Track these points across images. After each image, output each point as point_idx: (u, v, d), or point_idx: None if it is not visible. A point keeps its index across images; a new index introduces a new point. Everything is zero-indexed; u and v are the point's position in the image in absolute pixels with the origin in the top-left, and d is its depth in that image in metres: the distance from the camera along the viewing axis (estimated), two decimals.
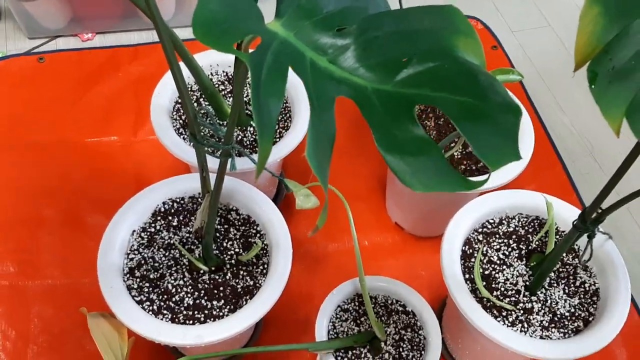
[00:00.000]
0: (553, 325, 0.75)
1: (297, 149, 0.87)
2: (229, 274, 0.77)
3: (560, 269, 0.80)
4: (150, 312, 0.73)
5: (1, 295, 0.97)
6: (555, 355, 0.71)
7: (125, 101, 1.20)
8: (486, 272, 0.79)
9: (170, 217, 0.81)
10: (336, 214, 0.92)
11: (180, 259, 0.78)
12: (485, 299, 0.76)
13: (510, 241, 0.81)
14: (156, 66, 1.19)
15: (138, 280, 0.76)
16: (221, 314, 0.74)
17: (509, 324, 0.75)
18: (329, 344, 0.76)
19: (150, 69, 1.23)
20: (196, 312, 0.74)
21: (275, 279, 0.74)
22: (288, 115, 0.94)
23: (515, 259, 0.80)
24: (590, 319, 0.76)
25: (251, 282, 0.76)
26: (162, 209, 0.82)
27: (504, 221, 0.83)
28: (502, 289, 0.77)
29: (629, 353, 0.96)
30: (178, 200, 0.83)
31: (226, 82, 0.97)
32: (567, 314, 0.76)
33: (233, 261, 0.78)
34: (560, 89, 1.32)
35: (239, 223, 0.82)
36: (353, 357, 0.77)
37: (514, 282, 0.78)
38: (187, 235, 0.80)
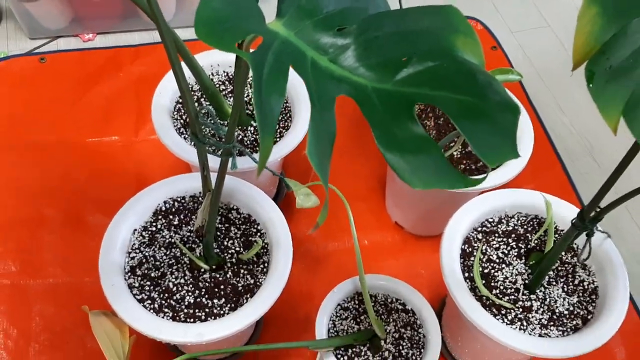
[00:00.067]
0: (552, 323, 0.76)
1: (298, 149, 0.88)
2: (230, 273, 0.77)
3: (559, 268, 0.80)
4: (152, 310, 0.74)
5: (3, 294, 0.97)
6: (554, 353, 0.72)
7: (126, 101, 1.21)
8: (485, 271, 0.79)
9: (171, 216, 0.82)
10: (336, 213, 0.93)
11: (181, 257, 0.78)
12: (484, 297, 0.76)
13: (510, 240, 0.82)
14: (157, 66, 1.20)
15: (139, 278, 0.76)
16: (222, 312, 0.74)
17: (508, 322, 0.75)
18: (329, 342, 0.76)
19: (151, 69, 1.24)
20: (197, 311, 0.74)
21: (275, 278, 0.75)
22: (288, 115, 0.95)
23: (515, 258, 0.81)
24: (589, 317, 0.77)
25: (252, 281, 0.77)
26: (163, 208, 0.82)
27: (503, 220, 0.84)
28: (502, 287, 0.78)
29: (627, 351, 0.96)
30: (179, 199, 0.83)
31: (227, 82, 0.98)
32: (566, 312, 0.77)
33: (234, 260, 0.78)
34: (559, 89, 1.33)
35: (240, 222, 0.82)
36: (353, 355, 0.77)
37: (513, 280, 0.78)
38: (188, 234, 0.80)
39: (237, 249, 0.79)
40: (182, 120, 0.93)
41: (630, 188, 0.62)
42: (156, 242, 0.79)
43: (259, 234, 0.81)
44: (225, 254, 0.79)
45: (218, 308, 0.75)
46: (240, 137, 0.91)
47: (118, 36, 1.38)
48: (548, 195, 0.84)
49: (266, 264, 0.78)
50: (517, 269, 0.79)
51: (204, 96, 0.93)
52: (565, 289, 0.79)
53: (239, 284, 0.76)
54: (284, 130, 0.92)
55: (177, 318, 0.74)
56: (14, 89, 1.22)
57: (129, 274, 0.77)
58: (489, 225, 0.83)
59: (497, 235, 0.82)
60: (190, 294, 0.75)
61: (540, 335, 0.75)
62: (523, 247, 0.82)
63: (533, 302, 0.77)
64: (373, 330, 0.78)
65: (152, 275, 0.77)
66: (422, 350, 0.79)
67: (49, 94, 1.21)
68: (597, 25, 0.42)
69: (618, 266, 0.78)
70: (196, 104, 0.87)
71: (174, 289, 0.76)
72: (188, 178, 0.84)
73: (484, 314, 0.74)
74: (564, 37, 1.43)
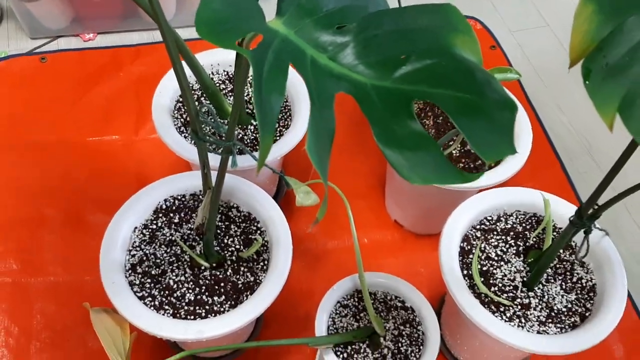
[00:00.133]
0: (550, 320, 0.76)
1: (297, 147, 0.88)
2: (230, 270, 0.78)
3: (558, 265, 0.81)
4: (152, 308, 0.74)
5: (4, 292, 0.97)
6: (552, 350, 0.72)
7: (127, 100, 1.21)
8: (484, 268, 0.79)
9: (171, 214, 0.82)
10: (336, 211, 0.93)
11: (182, 255, 0.79)
12: (483, 295, 0.77)
13: (508, 238, 0.82)
14: (157, 66, 1.20)
15: (140, 276, 0.77)
16: (222, 309, 0.75)
17: (507, 319, 0.76)
18: (329, 339, 0.77)
19: (152, 69, 1.24)
20: (197, 308, 0.75)
21: (275, 275, 0.75)
22: (288, 114, 0.95)
23: (513, 256, 0.81)
24: (587, 314, 0.77)
25: (252, 278, 0.77)
26: (164, 206, 0.83)
27: (501, 218, 0.84)
28: (500, 284, 0.78)
29: (626, 349, 0.97)
30: (179, 197, 0.84)
31: (227, 81, 0.98)
32: (564, 309, 0.77)
33: (234, 257, 0.79)
34: (558, 88, 1.33)
35: (240, 220, 0.83)
36: (352, 352, 0.78)
37: (512, 278, 0.79)
38: (189, 232, 0.81)
39: (237, 246, 0.80)
40: (182, 119, 0.93)
41: (627, 185, 0.62)
42: (157, 240, 0.80)
43: (259, 231, 0.81)
44: (226, 252, 0.79)
45: (218, 305, 0.75)
46: (241, 135, 0.92)
47: (118, 36, 1.38)
48: (546, 193, 0.84)
49: (266, 262, 0.79)
50: (515, 267, 0.80)
51: (204, 95, 0.94)
52: (564, 287, 0.79)
53: (239, 282, 0.77)
54: (283, 129, 0.93)
55: (178, 315, 0.74)
56: (16, 88, 1.23)
57: (130, 271, 0.77)
58: (487, 223, 0.84)
59: (495, 233, 0.83)
60: (190, 291, 0.76)
61: (538, 332, 0.75)
62: (521, 244, 0.82)
63: (531, 299, 0.77)
64: (372, 328, 0.78)
65: (153, 272, 0.77)
66: (421, 347, 0.79)
67: (50, 93, 1.22)
68: (593, 23, 0.43)
69: (616, 264, 0.78)
70: (196, 103, 0.88)
71: (175, 286, 0.76)
72: (188, 176, 0.85)
73: (483, 311, 0.75)
74: (563, 36, 1.43)
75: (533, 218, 0.84)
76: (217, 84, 0.98)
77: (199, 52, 0.94)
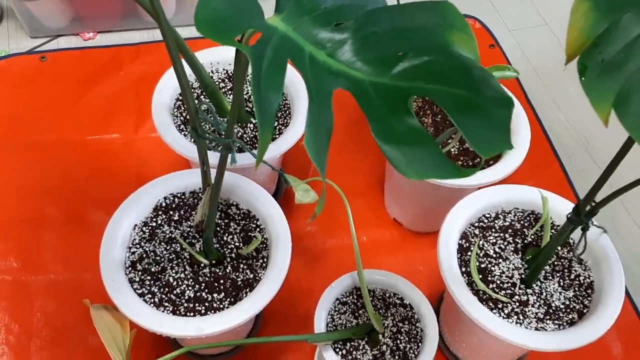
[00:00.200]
0: (548, 317, 0.77)
1: (297, 145, 0.89)
2: (229, 267, 0.78)
3: (556, 263, 0.81)
4: (152, 305, 0.75)
5: (4, 290, 0.98)
6: (550, 346, 0.73)
7: (127, 99, 1.22)
8: (482, 266, 0.80)
9: (171, 212, 0.83)
10: (335, 210, 0.94)
11: (181, 252, 0.79)
12: (481, 292, 0.77)
13: (506, 235, 0.83)
14: (157, 65, 1.20)
15: (140, 273, 0.77)
16: (221, 306, 0.75)
17: (505, 316, 0.76)
18: (328, 336, 0.77)
19: (152, 68, 1.24)
20: (197, 305, 0.75)
21: (274, 272, 0.75)
22: (287, 112, 0.95)
23: (511, 253, 0.81)
24: (585, 311, 0.78)
25: (251, 275, 0.78)
26: (163, 204, 0.83)
27: (500, 215, 0.85)
28: (498, 281, 0.79)
29: (623, 347, 0.97)
30: (179, 195, 0.84)
31: (226, 80, 0.99)
32: (562, 306, 0.78)
33: (233, 255, 0.79)
34: (557, 87, 1.34)
35: (239, 217, 0.83)
36: (351, 349, 0.78)
37: (510, 275, 0.79)
38: (188, 229, 0.81)
39: (237, 244, 0.80)
40: (182, 118, 0.93)
41: (625, 183, 0.63)
42: (156, 238, 0.80)
43: (258, 229, 0.82)
44: (225, 249, 0.80)
45: (218, 302, 0.75)
46: (240, 134, 0.92)
47: (118, 35, 1.38)
48: (544, 190, 0.84)
49: (265, 259, 0.79)
50: (513, 264, 0.80)
51: (204, 93, 0.94)
52: (562, 284, 0.79)
53: (239, 279, 0.77)
54: (283, 127, 0.93)
55: (177, 312, 0.74)
56: (16, 87, 1.23)
57: (130, 268, 0.77)
58: (485, 221, 0.84)
59: (494, 230, 0.83)
60: (190, 288, 0.76)
61: (536, 329, 0.76)
62: (520, 242, 0.82)
63: (529, 296, 0.78)
64: (371, 325, 0.78)
65: (153, 270, 0.77)
66: (420, 344, 0.80)
67: (50, 92, 1.22)
68: (589, 19, 0.43)
69: (614, 261, 0.79)
70: (196, 101, 0.88)
71: (174, 283, 0.76)
72: (188, 174, 0.85)
73: (481, 308, 0.75)
74: (562, 35, 1.44)
75: (531, 215, 0.85)
76: (217, 83, 0.98)
77: (198, 51, 0.94)
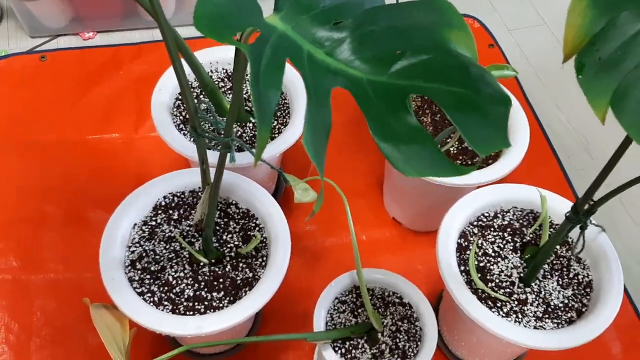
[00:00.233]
0: (547, 315, 0.77)
1: (296, 145, 0.89)
2: (229, 266, 0.78)
3: (554, 262, 0.81)
4: (151, 304, 0.75)
5: (4, 289, 0.98)
6: (549, 345, 0.73)
7: (127, 99, 1.22)
8: (481, 264, 0.80)
9: (170, 211, 0.83)
10: (335, 209, 0.94)
11: (181, 251, 0.79)
12: (480, 291, 0.77)
13: (505, 234, 0.83)
14: (157, 65, 1.21)
15: (139, 272, 0.77)
16: (221, 305, 0.75)
17: (504, 315, 0.76)
18: (327, 334, 0.77)
19: (152, 68, 1.25)
20: (196, 304, 0.75)
21: (274, 271, 0.76)
22: (287, 111, 0.96)
23: (510, 252, 0.81)
24: (584, 309, 0.78)
25: (250, 274, 0.78)
26: (163, 203, 0.83)
27: (499, 214, 0.85)
28: (497, 280, 0.79)
29: (622, 346, 0.97)
30: (178, 194, 0.84)
31: (226, 79, 0.99)
32: (560, 305, 0.78)
33: (232, 254, 0.79)
34: (556, 87, 1.34)
35: (239, 216, 0.83)
36: (350, 348, 0.78)
37: (509, 274, 0.79)
38: (188, 228, 0.81)
39: (236, 243, 0.80)
40: (181, 117, 0.94)
41: (623, 181, 0.63)
42: (156, 237, 0.80)
43: (257, 228, 0.82)
44: (224, 248, 0.80)
45: (217, 301, 0.76)
46: (239, 133, 0.92)
47: (118, 35, 1.39)
48: (543, 189, 0.84)
49: (265, 258, 0.79)
50: (512, 263, 0.80)
51: (204, 93, 0.94)
52: (560, 282, 0.80)
53: (238, 278, 0.77)
54: (282, 127, 0.93)
55: (177, 311, 0.75)
56: (16, 87, 1.23)
57: (129, 267, 0.78)
58: (484, 220, 0.84)
59: (492, 229, 0.83)
60: (189, 287, 0.76)
61: (535, 328, 0.76)
62: (518, 241, 0.83)
63: (528, 295, 0.78)
64: (370, 323, 0.79)
65: (152, 268, 0.78)
66: (419, 343, 0.80)
67: (50, 92, 1.22)
68: (587, 17, 0.44)
69: (612, 260, 0.79)
70: (195, 100, 0.88)
71: (174, 282, 0.77)
72: (187, 173, 0.85)
73: (480, 307, 0.75)
74: (561, 35, 1.43)
75: (530, 214, 0.85)
76: (216, 82, 0.98)
77: (198, 50, 0.94)
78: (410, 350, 0.79)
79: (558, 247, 0.82)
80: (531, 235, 0.83)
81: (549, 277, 0.80)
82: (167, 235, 0.81)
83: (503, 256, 0.81)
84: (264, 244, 0.80)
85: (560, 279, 0.80)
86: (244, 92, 0.97)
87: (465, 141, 0.43)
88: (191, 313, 0.74)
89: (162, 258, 0.79)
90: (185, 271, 0.78)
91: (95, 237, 0.79)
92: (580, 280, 0.80)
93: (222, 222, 0.82)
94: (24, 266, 1.00)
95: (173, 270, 0.78)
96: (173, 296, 0.76)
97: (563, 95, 1.32)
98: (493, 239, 0.82)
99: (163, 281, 0.77)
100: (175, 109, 0.94)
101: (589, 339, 0.73)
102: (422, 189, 0.98)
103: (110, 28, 1.39)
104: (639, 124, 0.41)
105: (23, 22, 1.34)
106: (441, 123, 0.97)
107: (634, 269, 1.08)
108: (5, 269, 1.00)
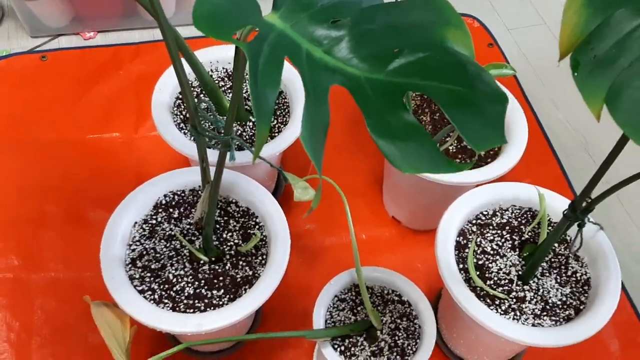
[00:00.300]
0: (545, 313, 0.77)
1: (296, 143, 0.89)
2: (229, 265, 0.79)
3: (553, 259, 0.81)
4: (152, 301, 0.75)
5: (5, 288, 0.98)
6: (547, 342, 0.73)
7: (127, 98, 1.22)
8: (480, 262, 0.80)
9: (171, 209, 0.83)
10: (334, 208, 0.94)
11: (181, 249, 0.80)
12: (478, 288, 0.78)
13: (504, 232, 0.83)
14: (157, 64, 1.21)
15: (140, 270, 0.78)
16: (221, 303, 0.76)
17: (502, 312, 0.77)
18: (326, 332, 0.77)
19: (152, 67, 1.25)
20: (196, 301, 0.76)
21: (273, 269, 0.76)
22: (286, 110, 0.96)
23: (509, 250, 0.82)
24: (582, 307, 0.78)
25: (250, 272, 0.78)
26: (163, 202, 0.84)
27: (497, 213, 0.85)
28: (496, 278, 0.79)
29: (621, 343, 0.98)
30: (179, 193, 0.85)
31: (226, 79, 0.99)
32: (558, 302, 0.78)
33: (232, 252, 0.80)
34: (555, 86, 1.34)
35: (239, 215, 0.83)
36: (350, 345, 0.78)
37: (507, 271, 0.80)
38: (188, 226, 0.82)
39: (236, 241, 0.81)
40: (181, 116, 0.94)
41: (621, 179, 0.63)
42: (156, 235, 0.81)
43: (257, 226, 0.82)
44: (224, 246, 0.80)
45: (217, 299, 0.76)
46: (239, 132, 0.93)
47: (119, 34, 1.39)
48: (541, 188, 0.85)
49: (264, 256, 0.80)
50: (511, 261, 0.81)
51: (204, 92, 0.95)
52: (558, 280, 0.80)
53: (238, 276, 0.78)
54: (282, 126, 0.94)
55: (177, 309, 0.75)
56: (17, 87, 1.23)
57: (130, 265, 0.78)
58: (483, 218, 0.85)
59: (491, 227, 0.84)
60: (189, 285, 0.77)
61: (533, 325, 0.76)
62: (517, 239, 0.83)
63: (526, 292, 0.78)
64: (369, 321, 0.79)
65: (153, 267, 0.78)
66: (418, 340, 0.80)
67: (50, 91, 1.22)
68: (582, 15, 0.44)
69: (610, 258, 0.79)
70: (195, 99, 0.88)
71: (174, 280, 0.77)
72: (187, 172, 0.86)
73: (478, 304, 0.75)
74: None
75: (528, 213, 0.85)
76: (216, 81, 0.99)
77: (198, 50, 0.95)
78: (409, 347, 0.79)
79: (556, 245, 0.82)
80: (529, 234, 0.83)
81: (547, 274, 0.80)
82: (167, 233, 0.81)
83: (502, 254, 0.81)
84: (263, 243, 0.81)
85: (558, 277, 0.80)
86: (244, 91, 0.97)
87: (462, 137, 0.43)
88: (191, 311, 0.75)
89: (162, 256, 0.79)
90: (186, 269, 0.78)
91: (95, 236, 0.80)
92: (578, 277, 0.80)
93: (222, 221, 0.83)
94: (25, 265, 1.01)
95: (173, 268, 0.78)
96: (173, 294, 0.76)
97: (562, 95, 1.32)
98: (492, 237, 0.83)
99: (163, 279, 0.77)
100: (175, 108, 0.95)
101: (587, 336, 0.73)
102: (421, 188, 0.98)
103: (111, 28, 1.39)
104: (633, 121, 0.41)
105: (24, 21, 1.34)
106: (440, 122, 0.97)
107: (631, 266, 1.08)
108: (6, 267, 1.00)
